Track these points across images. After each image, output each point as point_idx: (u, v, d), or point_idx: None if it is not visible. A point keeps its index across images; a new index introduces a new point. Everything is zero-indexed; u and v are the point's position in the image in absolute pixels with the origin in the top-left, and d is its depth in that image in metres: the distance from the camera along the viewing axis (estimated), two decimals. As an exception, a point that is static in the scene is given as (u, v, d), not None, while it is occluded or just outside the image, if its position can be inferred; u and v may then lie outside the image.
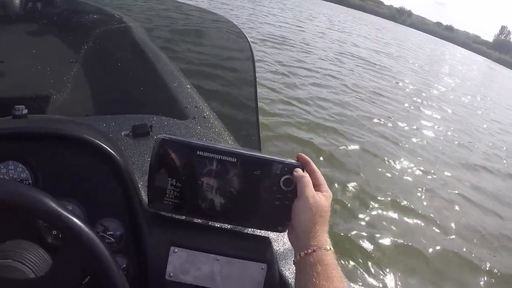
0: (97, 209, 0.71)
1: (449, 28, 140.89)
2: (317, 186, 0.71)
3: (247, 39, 1.33)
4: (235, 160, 0.70)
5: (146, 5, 2.45)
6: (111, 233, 0.73)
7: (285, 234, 0.77)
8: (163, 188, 0.71)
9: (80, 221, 0.55)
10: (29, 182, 0.67)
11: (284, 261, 0.87)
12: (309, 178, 0.71)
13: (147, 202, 0.75)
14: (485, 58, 76.74)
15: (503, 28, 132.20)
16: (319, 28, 18.05)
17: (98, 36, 1.92)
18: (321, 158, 3.98)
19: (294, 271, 0.71)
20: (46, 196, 0.54)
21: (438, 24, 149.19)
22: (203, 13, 2.23)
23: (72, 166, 0.70)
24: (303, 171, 0.72)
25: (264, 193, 0.73)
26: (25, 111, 0.68)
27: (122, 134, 1.19)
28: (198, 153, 0.69)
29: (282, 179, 0.71)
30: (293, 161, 0.73)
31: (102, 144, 0.70)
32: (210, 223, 0.82)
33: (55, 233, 0.65)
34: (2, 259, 0.55)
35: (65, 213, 0.54)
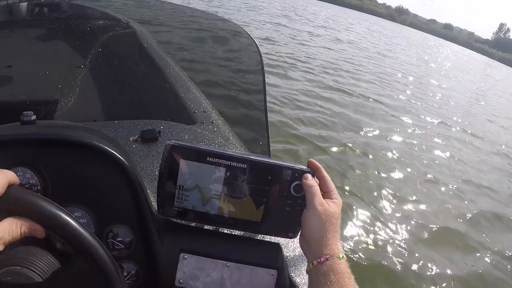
0: (106, 215, 0.71)
1: (448, 27, 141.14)
2: (326, 193, 0.71)
3: (257, 45, 1.32)
4: (245, 166, 0.69)
5: (154, 11, 2.44)
6: (121, 239, 0.72)
7: (296, 240, 0.76)
8: (172, 194, 0.70)
9: (84, 230, 0.54)
10: (38, 188, 0.66)
11: (294, 268, 0.86)
12: (317, 186, 0.70)
13: (156, 208, 0.74)
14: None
15: (502, 25, 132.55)
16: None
17: (105, 42, 1.92)
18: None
19: (305, 278, 0.70)
20: (50, 203, 0.53)
21: (433, 21, 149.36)
22: (212, 18, 2.24)
23: (81, 172, 0.70)
24: (313, 177, 0.71)
25: (274, 199, 0.71)
26: (33, 117, 0.67)
27: (131, 139, 1.19)
28: (208, 159, 0.68)
29: (293, 185, 0.70)
30: (303, 167, 0.72)
31: (111, 150, 0.69)
32: (219, 229, 0.81)
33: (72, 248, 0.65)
34: (13, 266, 0.55)
35: (71, 221, 0.53)
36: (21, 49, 1.76)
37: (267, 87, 1.31)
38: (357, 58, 12.38)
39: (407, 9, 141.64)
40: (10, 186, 0.49)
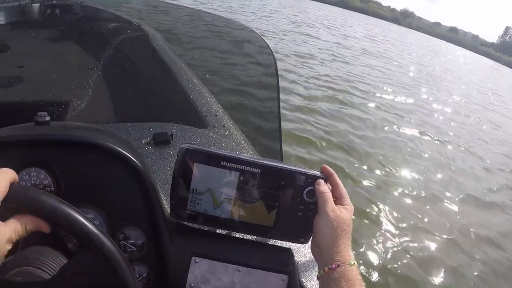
0: (119, 217, 0.71)
1: (454, 30, 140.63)
2: (339, 199, 0.70)
3: (271, 50, 1.32)
4: (258, 171, 0.69)
5: (166, 14, 2.44)
6: (133, 241, 0.73)
7: (307, 246, 0.76)
8: (185, 197, 0.70)
9: (97, 229, 0.54)
10: (51, 189, 0.67)
11: (306, 273, 0.86)
12: (330, 192, 0.70)
13: (169, 211, 0.74)
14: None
15: (507, 28, 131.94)
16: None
17: (117, 44, 1.92)
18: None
19: (316, 284, 0.70)
20: (64, 204, 0.53)
21: (437, 24, 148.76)
22: (226, 22, 2.24)
23: (94, 174, 0.70)
24: (326, 183, 0.71)
25: (287, 204, 0.71)
26: (47, 118, 0.68)
27: (143, 142, 1.19)
28: (221, 163, 0.68)
29: (305, 190, 0.70)
30: (316, 172, 0.72)
31: (125, 153, 0.69)
32: (231, 233, 0.81)
33: (75, 240, 0.65)
34: (25, 266, 0.55)
35: (84, 221, 0.53)
36: (33, 49, 1.76)
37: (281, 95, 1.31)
38: (403, 79, 11.58)
39: (412, 12, 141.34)
40: (11, 185, 0.50)
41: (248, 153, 1.29)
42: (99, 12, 2.48)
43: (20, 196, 0.51)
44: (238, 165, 0.69)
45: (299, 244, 0.82)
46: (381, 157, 4.76)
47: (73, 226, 0.52)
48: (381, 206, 3.60)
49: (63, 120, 1.40)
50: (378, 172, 4.35)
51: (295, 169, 0.71)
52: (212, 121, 1.47)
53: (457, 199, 4.35)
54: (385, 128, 6.02)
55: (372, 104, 7.28)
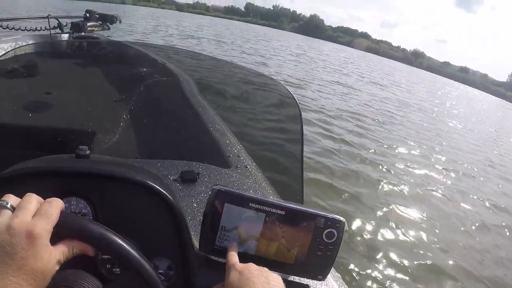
0: (151, 247, 0.75)
1: (464, 70, 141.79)
2: None
3: (295, 98, 1.40)
4: (283, 213, 0.75)
5: (191, 59, 2.55)
6: (162, 271, 0.76)
7: (324, 282, 0.80)
8: (214, 233, 0.76)
9: (138, 254, 0.61)
10: (90, 218, 0.72)
11: None
12: None
13: (198, 246, 0.79)
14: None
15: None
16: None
17: (146, 81, 2.00)
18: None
19: None
20: (110, 231, 0.60)
21: (446, 63, 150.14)
22: (252, 73, 2.33)
23: (129, 206, 0.75)
24: (345, 226, 0.77)
25: (307, 244, 0.77)
26: (88, 152, 0.75)
27: (171, 178, 1.25)
28: (250, 204, 0.74)
29: (325, 232, 0.76)
30: (335, 216, 0.78)
31: (159, 188, 0.74)
32: None
33: (109, 266, 0.71)
34: (64, 286, 0.60)
35: (127, 246, 0.60)
36: (61, 78, 1.84)
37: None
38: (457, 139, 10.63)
39: (423, 52, 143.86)
40: (61, 212, 0.57)
41: (269, 194, 1.33)
42: (126, 48, 2.58)
43: (70, 223, 0.58)
44: (264, 207, 0.75)
45: (316, 281, 0.86)
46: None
47: (117, 251, 0.60)
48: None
49: (91, 151, 1.44)
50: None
51: (316, 212, 0.77)
52: (235, 162, 1.53)
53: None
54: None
55: None
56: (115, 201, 0.75)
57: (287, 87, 1.46)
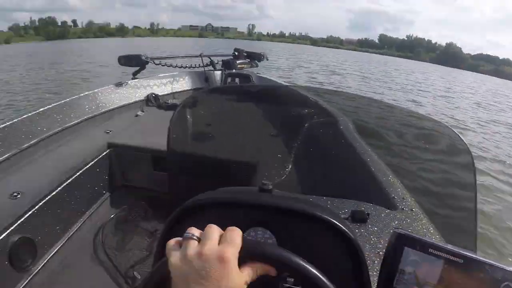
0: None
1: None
2: None
3: (466, 145, 1.37)
4: (462, 262, 0.74)
5: (348, 99, 2.59)
6: None
7: None
8: (393, 276, 0.79)
9: (318, 272, 0.66)
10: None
11: None
12: None
13: (374, 286, 0.81)
14: None
15: None
16: None
17: (305, 119, 2.01)
18: None
19: None
20: (287, 251, 0.65)
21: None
22: (409, 113, 2.33)
23: (310, 242, 0.80)
24: None
25: None
26: (271, 187, 0.80)
27: (342, 217, 1.35)
28: (429, 250, 0.76)
29: (503, 285, 0.73)
30: None
31: (341, 225, 0.79)
32: None
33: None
34: None
35: (308, 266, 0.66)
36: (218, 111, 1.94)
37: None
38: None
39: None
40: (243, 238, 0.64)
41: (439, 241, 1.31)
42: (277, 85, 2.61)
43: (253, 247, 0.64)
44: (443, 254, 0.76)
45: None
46: None
47: (299, 270, 0.65)
48: None
49: (256, 183, 1.52)
50: None
51: (497, 264, 0.75)
52: (400, 204, 1.54)
53: None
54: None
55: None
56: (296, 235, 0.81)
57: (454, 129, 1.43)
